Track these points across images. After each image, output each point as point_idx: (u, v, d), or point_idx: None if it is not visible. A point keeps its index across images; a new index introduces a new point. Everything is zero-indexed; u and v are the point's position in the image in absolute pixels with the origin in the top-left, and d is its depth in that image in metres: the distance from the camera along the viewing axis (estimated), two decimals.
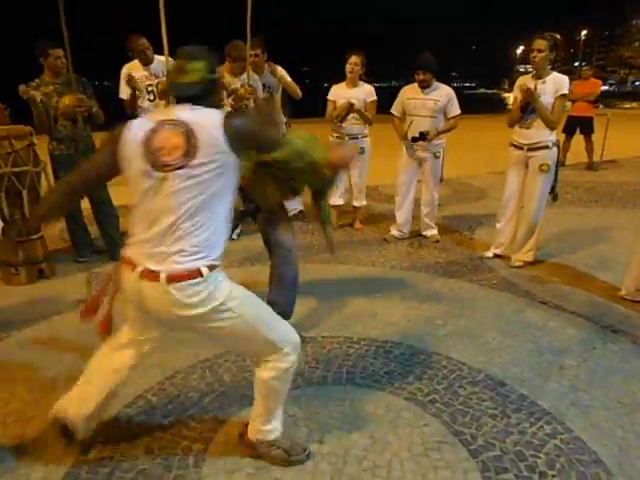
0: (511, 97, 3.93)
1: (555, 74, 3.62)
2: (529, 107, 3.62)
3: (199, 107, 1.73)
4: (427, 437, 2.10)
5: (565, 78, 3.61)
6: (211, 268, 1.70)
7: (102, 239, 4.28)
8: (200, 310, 1.70)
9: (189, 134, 1.65)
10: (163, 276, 1.65)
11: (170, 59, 4.08)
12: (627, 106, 23.51)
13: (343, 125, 4.60)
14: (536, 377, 2.52)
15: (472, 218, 5.35)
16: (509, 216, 3.97)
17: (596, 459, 1.98)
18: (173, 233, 1.66)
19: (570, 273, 3.85)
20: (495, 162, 7.96)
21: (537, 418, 2.21)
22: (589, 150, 8.12)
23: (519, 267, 3.92)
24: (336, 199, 4.82)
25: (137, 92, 4.13)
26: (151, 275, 1.67)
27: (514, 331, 2.98)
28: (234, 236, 4.73)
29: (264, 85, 4.64)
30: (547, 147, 3.69)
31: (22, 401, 2.37)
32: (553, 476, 1.89)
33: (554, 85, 3.55)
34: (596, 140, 8.17)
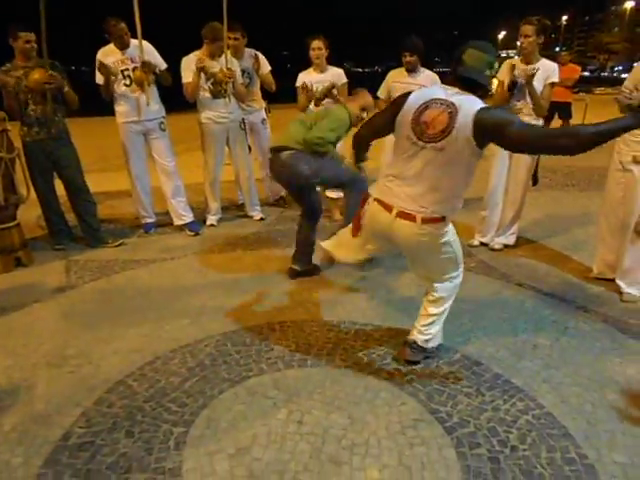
0: (495, 81, 3.91)
1: (544, 60, 3.62)
2: (516, 88, 3.63)
3: (467, 93, 2.12)
4: (404, 416, 2.16)
5: (555, 65, 3.61)
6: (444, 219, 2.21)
7: (79, 226, 4.23)
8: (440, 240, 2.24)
9: (452, 115, 2.05)
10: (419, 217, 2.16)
11: (145, 42, 4.04)
12: (604, 91, 23.72)
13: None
14: (511, 356, 2.59)
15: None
16: (497, 203, 3.97)
17: (565, 433, 2.05)
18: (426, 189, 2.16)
19: (546, 255, 3.94)
20: None
21: (510, 395, 2.28)
22: None
23: (499, 250, 3.99)
24: (335, 191, 4.73)
25: (112, 77, 4.06)
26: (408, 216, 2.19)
27: (490, 312, 3.05)
28: (214, 222, 4.73)
29: (243, 70, 4.60)
30: None
31: (1, 389, 2.35)
32: (524, 450, 1.96)
33: (544, 72, 3.56)
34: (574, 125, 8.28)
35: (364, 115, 3.42)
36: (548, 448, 1.97)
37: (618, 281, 3.25)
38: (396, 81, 4.35)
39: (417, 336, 2.51)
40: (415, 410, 2.19)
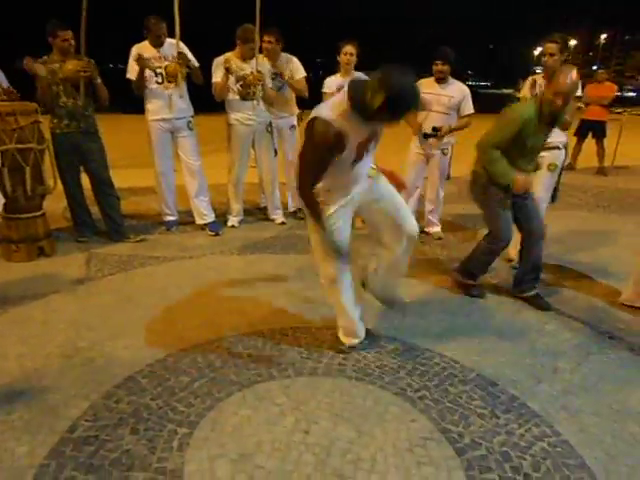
0: (520, 95, 3.91)
1: None
2: None
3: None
4: (413, 433, 2.09)
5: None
6: None
7: (102, 220, 4.29)
8: None
9: None
10: None
11: (181, 43, 4.08)
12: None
13: None
14: (528, 379, 2.50)
15: (477, 217, 5.27)
16: None
17: (582, 464, 1.96)
18: None
19: (571, 276, 3.81)
20: None
21: (526, 420, 2.19)
22: (600, 155, 8.03)
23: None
24: None
25: (147, 71, 4.11)
26: None
27: (510, 332, 2.96)
28: (235, 224, 4.73)
29: (275, 74, 4.59)
30: (557, 148, 3.69)
31: (12, 376, 2.38)
32: (537, 478, 1.87)
33: None
34: (608, 145, 8.08)
35: (558, 102, 2.94)
36: (563, 478, 1.88)
37: None
38: (426, 92, 4.28)
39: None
40: (425, 428, 2.12)
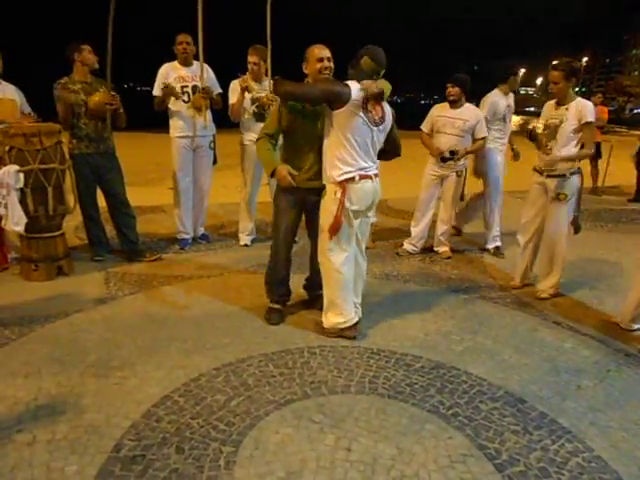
0: (536, 121, 3.90)
1: (579, 100, 3.54)
2: (533, 138, 3.69)
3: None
4: (452, 449, 2.15)
5: (589, 105, 3.51)
6: None
7: (118, 239, 4.31)
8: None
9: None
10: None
11: (206, 66, 4.20)
12: (627, 132, 23.75)
13: None
14: (555, 396, 2.57)
15: (481, 236, 5.41)
16: (526, 241, 3.90)
17: (618, 478, 2.03)
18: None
19: (580, 296, 3.92)
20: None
21: (558, 436, 2.26)
22: (594, 175, 8.27)
23: (545, 299, 3.79)
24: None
25: (171, 98, 4.24)
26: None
27: (530, 350, 3.04)
28: (248, 242, 4.78)
29: None
30: (564, 175, 3.55)
31: (51, 396, 2.39)
32: None
33: (577, 112, 3.48)
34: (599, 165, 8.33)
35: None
36: None
37: None
38: (440, 115, 4.43)
39: None
40: (462, 445, 2.18)
